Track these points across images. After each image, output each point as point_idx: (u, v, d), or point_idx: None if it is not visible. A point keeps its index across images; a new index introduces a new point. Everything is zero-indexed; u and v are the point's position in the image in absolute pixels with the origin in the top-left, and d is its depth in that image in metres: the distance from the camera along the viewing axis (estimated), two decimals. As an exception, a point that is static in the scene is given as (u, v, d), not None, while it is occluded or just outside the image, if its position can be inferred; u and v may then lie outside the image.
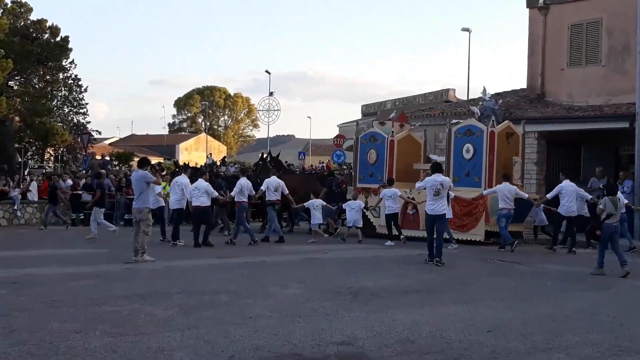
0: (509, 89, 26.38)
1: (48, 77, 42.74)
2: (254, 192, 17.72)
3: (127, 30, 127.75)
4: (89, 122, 47.38)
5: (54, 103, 44.76)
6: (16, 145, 39.22)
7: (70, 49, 42.55)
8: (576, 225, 16.58)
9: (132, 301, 8.77)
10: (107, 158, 37.49)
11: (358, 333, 7.14)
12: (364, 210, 18.92)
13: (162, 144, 75.65)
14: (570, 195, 16.42)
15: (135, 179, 13.69)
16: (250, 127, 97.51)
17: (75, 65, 44.70)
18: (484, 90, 20.37)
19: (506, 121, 19.46)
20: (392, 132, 20.22)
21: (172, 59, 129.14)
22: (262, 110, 51.55)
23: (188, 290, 9.67)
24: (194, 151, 75.94)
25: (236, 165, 41.33)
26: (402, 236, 17.61)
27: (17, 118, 40.26)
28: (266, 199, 18.18)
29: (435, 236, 13.45)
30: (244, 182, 17.49)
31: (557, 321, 8.00)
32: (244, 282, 10.58)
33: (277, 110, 49.97)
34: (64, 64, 43.49)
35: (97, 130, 49.26)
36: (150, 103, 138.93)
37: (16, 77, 41.29)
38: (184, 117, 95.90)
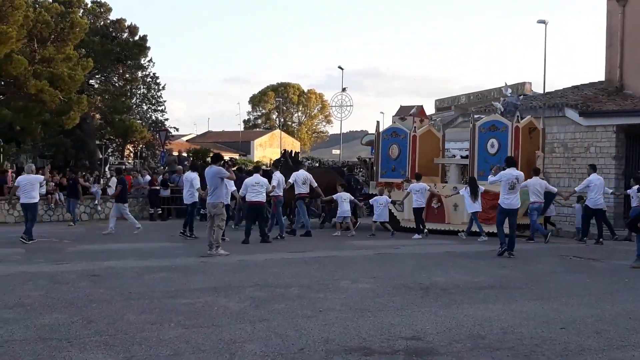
0: (587, 82, 25.68)
1: (127, 75, 43.81)
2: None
3: (203, 29, 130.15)
4: (166, 119, 48.39)
5: (133, 101, 45.84)
6: (97, 142, 40.40)
7: (149, 48, 43.45)
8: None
9: (206, 294, 8.96)
10: (184, 154, 38.20)
11: (428, 328, 7.12)
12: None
13: (237, 140, 76.62)
14: (598, 189, 16.97)
15: (209, 174, 13.92)
16: (324, 123, 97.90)
17: (154, 63, 45.77)
18: (505, 85, 20.57)
19: (528, 116, 19.73)
20: (415, 127, 20.43)
21: (246, 57, 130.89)
22: (335, 106, 51.66)
23: (261, 284, 9.82)
24: (268, 147, 76.68)
25: (308, 161, 41.53)
26: (425, 230, 18.05)
27: (97, 115, 41.43)
28: (295, 192, 18.27)
29: (508, 229, 13.83)
30: (279, 176, 17.70)
31: (634, 318, 7.80)
32: (316, 276, 10.67)
33: (350, 105, 50.02)
34: (142, 62, 44.45)
35: (174, 127, 50.34)
36: (225, 100, 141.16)
37: (97, 76, 42.47)
38: (259, 113, 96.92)
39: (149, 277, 10.51)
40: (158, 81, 47.05)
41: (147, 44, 43.10)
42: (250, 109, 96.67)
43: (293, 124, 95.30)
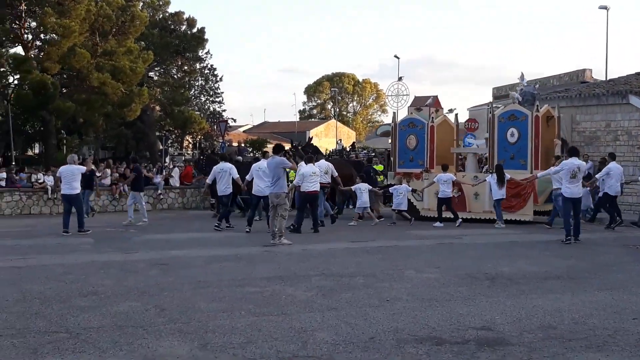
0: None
1: (186, 67, 44.46)
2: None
3: (259, 19, 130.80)
4: (224, 110, 49.02)
5: (191, 92, 46.51)
6: (157, 134, 41.11)
7: (206, 40, 43.96)
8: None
9: (273, 282, 9.08)
10: (243, 145, 38.58)
11: (497, 318, 7.10)
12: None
13: (293, 130, 76.91)
14: (617, 176, 17.41)
15: (272, 165, 14.05)
16: (379, 113, 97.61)
17: (211, 55, 46.37)
18: (522, 75, 20.53)
19: (545, 105, 19.97)
20: (432, 117, 20.70)
21: (302, 47, 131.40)
22: (391, 96, 51.43)
23: (326, 273, 9.90)
24: (324, 137, 76.73)
25: (365, 151, 41.49)
26: (458, 220, 18.11)
27: (157, 107, 42.13)
28: None
29: (573, 217, 14.06)
30: (323, 165, 18.10)
31: None
32: (380, 266, 10.70)
33: (406, 95, 49.68)
34: (200, 54, 45.05)
35: (232, 118, 50.94)
36: (281, 91, 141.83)
37: (156, 68, 43.20)
38: (314, 103, 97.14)
39: (215, 265, 10.69)
40: (215, 73, 47.66)
41: (205, 36, 43.54)
42: (305, 99, 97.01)
43: (348, 114, 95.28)
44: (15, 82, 33.50)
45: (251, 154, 40.48)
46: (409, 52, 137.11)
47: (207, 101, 48.59)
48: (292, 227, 15.91)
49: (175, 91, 42.23)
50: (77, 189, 16.07)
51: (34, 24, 33.10)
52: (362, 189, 18.65)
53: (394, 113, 21.74)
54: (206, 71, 46.82)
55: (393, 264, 10.96)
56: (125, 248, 13.14)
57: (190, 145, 47.71)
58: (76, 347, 5.94)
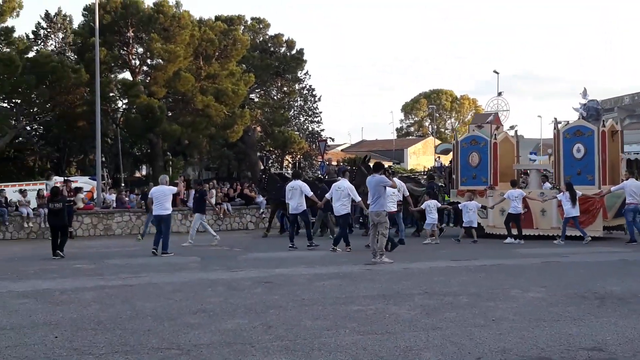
0: None
1: (285, 88, 45.28)
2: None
3: (355, 40, 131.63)
4: (322, 130, 49.49)
5: (290, 113, 47.25)
6: (258, 154, 41.93)
7: (305, 61, 44.69)
8: None
9: (376, 301, 9.11)
10: (342, 164, 38.83)
11: (609, 339, 6.88)
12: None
13: (391, 148, 76.85)
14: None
15: (372, 183, 14.09)
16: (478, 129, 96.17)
17: (310, 76, 46.90)
18: (584, 91, 20.16)
19: (610, 120, 20.13)
20: (495, 134, 20.76)
21: (398, 66, 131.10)
22: (490, 111, 50.73)
23: (429, 292, 9.84)
24: (422, 155, 76.32)
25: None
26: (520, 241, 18.06)
27: (258, 128, 43.03)
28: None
29: None
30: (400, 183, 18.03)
31: None
32: (484, 285, 10.56)
33: (507, 110, 48.91)
34: (299, 75, 45.76)
35: (330, 137, 51.36)
36: (378, 109, 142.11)
37: (257, 90, 44.18)
38: (411, 121, 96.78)
39: (319, 284, 10.81)
40: (314, 93, 48.17)
41: (304, 57, 44.19)
42: (402, 117, 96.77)
43: (446, 131, 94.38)
44: (124, 106, 34.96)
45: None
46: (509, 68, 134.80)
47: (306, 121, 49.20)
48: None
49: (275, 112, 43.04)
50: (168, 209, 16.33)
51: (141, 49, 34.56)
52: (432, 205, 18.69)
53: (455, 130, 22.05)
54: (305, 91, 47.48)
55: (497, 283, 10.78)
56: (231, 266, 13.47)
57: (290, 164, 48.38)
58: (188, 363, 6.14)
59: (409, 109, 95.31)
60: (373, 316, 8.13)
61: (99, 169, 26.45)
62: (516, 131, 22.65)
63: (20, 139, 36.52)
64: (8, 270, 13.37)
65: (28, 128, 36.19)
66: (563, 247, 16.61)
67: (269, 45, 43.99)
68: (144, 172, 44.36)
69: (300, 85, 46.52)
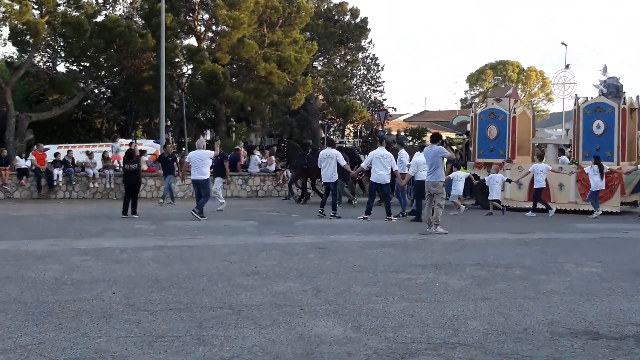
0: None
1: (348, 57, 45.11)
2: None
3: (420, 9, 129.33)
4: (385, 99, 49.20)
5: (353, 82, 47.11)
6: (320, 122, 42.03)
7: (369, 30, 44.35)
8: None
9: (427, 270, 9.16)
10: (402, 133, 38.68)
11: (660, 316, 6.81)
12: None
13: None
14: None
15: (430, 154, 14.07)
16: (544, 101, 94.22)
17: (373, 44, 46.61)
18: (605, 67, 20.20)
19: (630, 96, 20.13)
20: (514, 108, 21.03)
21: (464, 35, 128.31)
22: (558, 84, 49.65)
23: (481, 263, 9.84)
24: (487, 126, 75.20)
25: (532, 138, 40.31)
26: (551, 209, 18.50)
27: (320, 96, 43.08)
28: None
29: None
30: (405, 154, 18.17)
31: None
32: (538, 258, 10.49)
33: (573, 83, 47.81)
34: (362, 44, 45.51)
35: (392, 107, 51.10)
36: (442, 79, 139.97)
37: (320, 58, 44.14)
38: (476, 92, 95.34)
39: (371, 251, 10.91)
40: (377, 62, 47.87)
41: (368, 26, 43.91)
42: (467, 88, 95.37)
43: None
44: (189, 72, 35.40)
45: (410, 142, 40.52)
46: (579, 40, 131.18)
47: (369, 90, 49.00)
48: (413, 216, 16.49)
49: (338, 80, 42.98)
50: (206, 174, 16.24)
51: (206, 16, 34.84)
52: (459, 176, 18.81)
53: (473, 104, 21.91)
54: (368, 60, 47.23)
55: (552, 256, 10.69)
56: (286, 231, 13.67)
57: (352, 133, 48.36)
58: (238, 322, 6.31)
59: (474, 79, 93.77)
60: (423, 285, 8.20)
61: (163, 132, 26.98)
62: (532, 105, 23.18)
63: (89, 101, 37.39)
64: (72, 229, 13.86)
65: (96, 91, 36.98)
66: (624, 223, 16.32)
67: (333, 13, 43.77)
68: (208, 137, 44.99)
69: (364, 54, 46.30)
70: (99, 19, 33.23)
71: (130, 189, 16.62)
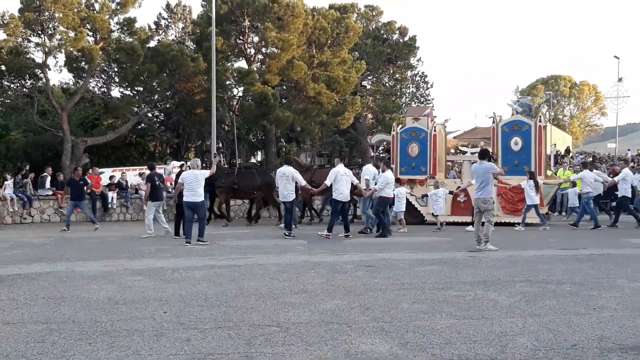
0: None
1: (397, 75, 45.16)
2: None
3: (467, 27, 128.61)
4: (435, 117, 49.01)
5: (402, 100, 47.09)
6: (369, 141, 42.07)
7: (418, 48, 44.37)
8: None
9: (475, 287, 9.11)
10: (452, 151, 38.45)
11: None
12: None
13: (507, 135, 74.99)
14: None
15: (481, 170, 13.97)
16: (598, 116, 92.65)
17: (422, 62, 46.55)
18: (517, 87, 21.47)
19: (540, 114, 22.43)
20: (434, 127, 22.20)
21: (513, 50, 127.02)
22: (610, 97, 48.89)
23: (531, 279, 9.75)
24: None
25: (582, 156, 39.72)
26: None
27: (369, 115, 43.18)
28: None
29: None
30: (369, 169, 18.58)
31: None
32: (589, 274, 10.34)
33: (627, 96, 47.05)
34: (411, 62, 45.52)
35: (443, 124, 50.87)
36: (492, 96, 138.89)
37: (369, 77, 44.27)
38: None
39: (419, 269, 10.89)
40: (426, 80, 47.82)
41: (416, 44, 43.91)
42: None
43: (564, 118, 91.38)
44: (240, 94, 35.86)
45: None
46: (633, 52, 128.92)
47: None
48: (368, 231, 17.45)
49: (387, 99, 43.03)
50: (201, 195, 15.24)
51: (256, 38, 35.29)
52: (402, 193, 18.97)
53: (394, 123, 22.59)
54: (417, 78, 47.20)
55: (604, 272, 10.53)
56: (335, 250, 13.74)
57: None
58: (285, 340, 6.39)
59: (525, 94, 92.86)
60: (471, 302, 8.16)
61: (213, 154, 27.32)
62: (444, 125, 24.47)
63: (142, 125, 38.11)
64: (126, 250, 14.15)
65: (149, 115, 37.69)
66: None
67: (382, 32, 43.91)
68: (259, 158, 45.38)
69: (413, 72, 46.31)
70: (152, 44, 33.96)
71: (181, 210, 16.62)
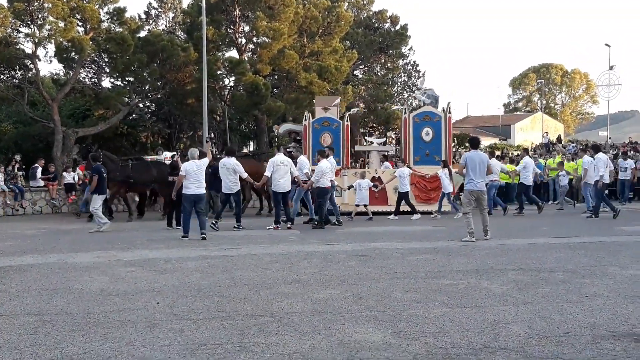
0: None
1: (389, 64, 45.01)
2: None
3: (460, 15, 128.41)
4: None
5: (394, 89, 46.97)
6: (361, 130, 42.01)
7: (409, 37, 44.22)
8: None
9: (468, 276, 9.14)
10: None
11: None
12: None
13: (497, 124, 75.34)
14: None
15: (478, 160, 13.92)
16: (589, 104, 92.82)
17: (414, 51, 46.41)
18: (422, 78, 22.75)
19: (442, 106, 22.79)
20: (347, 117, 22.50)
21: (504, 39, 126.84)
22: (602, 86, 48.96)
23: (524, 268, 9.78)
24: (530, 130, 74.50)
25: (573, 144, 39.82)
26: (395, 216, 19.46)
27: (361, 105, 43.05)
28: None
29: None
30: (303, 160, 18.18)
31: None
32: (582, 262, 10.38)
33: (618, 84, 47.13)
34: (403, 51, 45.40)
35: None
36: (484, 84, 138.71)
37: (360, 66, 44.14)
38: (519, 96, 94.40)
39: (412, 258, 10.91)
40: (418, 69, 47.73)
41: (408, 33, 43.82)
42: (510, 92, 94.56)
43: (556, 106, 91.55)
44: (231, 84, 35.72)
45: (454, 148, 40.27)
46: (624, 40, 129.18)
47: (410, 97, 48.85)
48: (315, 223, 16.91)
49: (379, 88, 42.88)
50: (204, 186, 14.78)
51: (247, 28, 35.13)
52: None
53: (307, 113, 22.44)
54: (409, 67, 47.10)
55: (596, 260, 10.57)
56: (328, 240, 13.74)
57: (394, 141, 48.24)
58: (279, 329, 6.39)
59: (517, 83, 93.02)
60: (464, 290, 8.18)
61: (205, 144, 27.23)
62: (350, 114, 23.99)
63: (133, 115, 37.90)
64: (118, 241, 14.12)
65: (140, 105, 37.48)
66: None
67: (373, 21, 43.73)
68: (251, 148, 45.28)
69: (404, 61, 46.16)
70: (142, 34, 33.72)
71: (174, 201, 16.39)
